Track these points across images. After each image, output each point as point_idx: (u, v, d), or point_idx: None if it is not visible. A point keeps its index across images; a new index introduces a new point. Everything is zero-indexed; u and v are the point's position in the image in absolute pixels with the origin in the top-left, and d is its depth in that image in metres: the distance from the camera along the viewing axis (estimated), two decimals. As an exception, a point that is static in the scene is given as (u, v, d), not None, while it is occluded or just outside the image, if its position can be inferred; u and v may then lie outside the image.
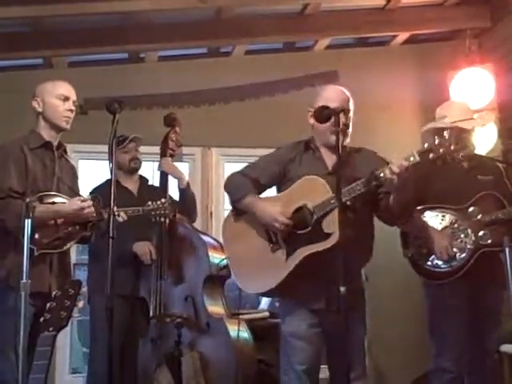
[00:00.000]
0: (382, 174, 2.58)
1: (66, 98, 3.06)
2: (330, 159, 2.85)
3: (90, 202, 2.94)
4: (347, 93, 2.90)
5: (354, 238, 2.55)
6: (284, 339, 2.83)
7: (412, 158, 2.57)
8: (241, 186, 2.87)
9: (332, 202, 2.62)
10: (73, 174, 3.21)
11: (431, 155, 2.53)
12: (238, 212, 2.91)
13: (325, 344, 2.81)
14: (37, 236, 2.77)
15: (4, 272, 2.82)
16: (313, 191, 2.72)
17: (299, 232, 2.71)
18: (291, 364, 2.76)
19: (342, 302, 2.33)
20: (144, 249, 3.61)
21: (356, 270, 2.83)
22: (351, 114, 2.85)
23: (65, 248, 2.95)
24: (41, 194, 2.90)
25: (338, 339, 2.52)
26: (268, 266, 2.77)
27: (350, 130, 2.86)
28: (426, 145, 2.55)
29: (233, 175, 2.99)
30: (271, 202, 2.83)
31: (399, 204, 2.70)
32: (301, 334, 2.75)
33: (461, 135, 3.37)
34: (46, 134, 3.05)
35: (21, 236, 2.52)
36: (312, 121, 2.88)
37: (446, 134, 2.54)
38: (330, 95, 2.87)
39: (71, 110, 3.06)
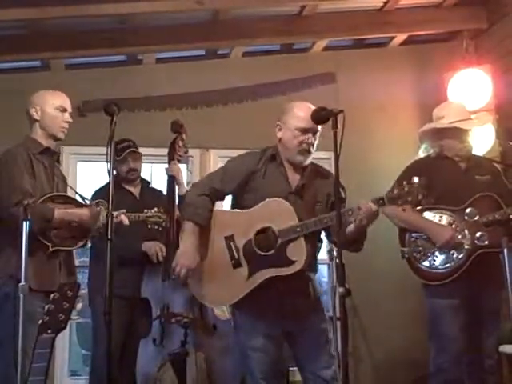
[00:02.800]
0: (350, 212, 2.64)
1: (64, 110, 3.16)
2: (293, 177, 2.88)
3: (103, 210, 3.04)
4: None
5: (309, 259, 2.74)
6: (242, 352, 2.86)
7: (381, 202, 2.62)
8: (198, 209, 2.83)
9: (298, 229, 2.70)
10: (64, 182, 3.30)
11: (399, 201, 2.60)
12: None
13: (289, 346, 2.88)
14: (51, 234, 2.93)
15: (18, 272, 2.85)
16: (279, 214, 2.76)
17: (262, 253, 2.75)
18: (253, 374, 2.81)
19: (341, 302, 2.33)
20: (155, 248, 3.65)
21: (305, 283, 2.86)
22: (318, 134, 2.85)
23: (77, 247, 3.09)
24: (52, 194, 3.02)
25: (298, 338, 2.80)
26: (227, 281, 2.80)
27: (314, 149, 2.87)
28: (395, 191, 2.60)
29: (198, 187, 2.97)
30: (233, 218, 2.84)
31: (355, 235, 2.73)
32: (258, 346, 2.79)
33: (459, 135, 3.39)
34: (44, 141, 3.14)
35: (39, 237, 2.81)
36: (280, 135, 2.90)
37: (416, 180, 2.60)
38: (302, 115, 2.82)
39: (68, 122, 3.17)
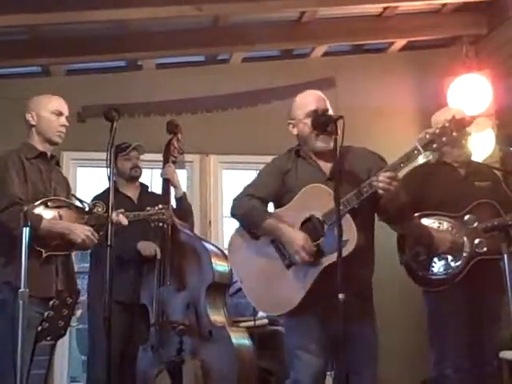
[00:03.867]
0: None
1: (60, 113, 3.14)
2: (325, 165, 2.79)
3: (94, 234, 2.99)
4: (321, 94, 2.86)
5: (363, 244, 2.58)
6: (291, 353, 2.73)
7: (416, 152, 2.52)
8: (254, 210, 2.75)
9: (341, 208, 2.54)
10: (66, 185, 3.27)
11: (434, 145, 2.49)
12: (247, 234, 2.80)
13: (331, 352, 2.71)
14: (44, 239, 2.87)
15: (15, 278, 2.83)
16: (318, 200, 2.65)
17: (313, 244, 2.62)
18: (300, 377, 2.68)
19: (341, 309, 2.32)
20: (149, 247, 3.62)
21: (368, 277, 2.80)
22: (330, 112, 2.79)
23: (71, 250, 3.05)
24: (46, 199, 2.97)
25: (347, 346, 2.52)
26: (285, 283, 2.67)
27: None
28: (427, 136, 2.49)
29: (239, 199, 2.84)
30: (286, 220, 2.70)
31: (394, 208, 2.67)
32: (309, 348, 2.66)
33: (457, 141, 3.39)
34: (40, 146, 3.13)
35: (32, 243, 2.66)
36: (295, 131, 2.86)
37: (446, 124, 2.49)
38: (306, 100, 2.82)
39: (64, 126, 3.14)
